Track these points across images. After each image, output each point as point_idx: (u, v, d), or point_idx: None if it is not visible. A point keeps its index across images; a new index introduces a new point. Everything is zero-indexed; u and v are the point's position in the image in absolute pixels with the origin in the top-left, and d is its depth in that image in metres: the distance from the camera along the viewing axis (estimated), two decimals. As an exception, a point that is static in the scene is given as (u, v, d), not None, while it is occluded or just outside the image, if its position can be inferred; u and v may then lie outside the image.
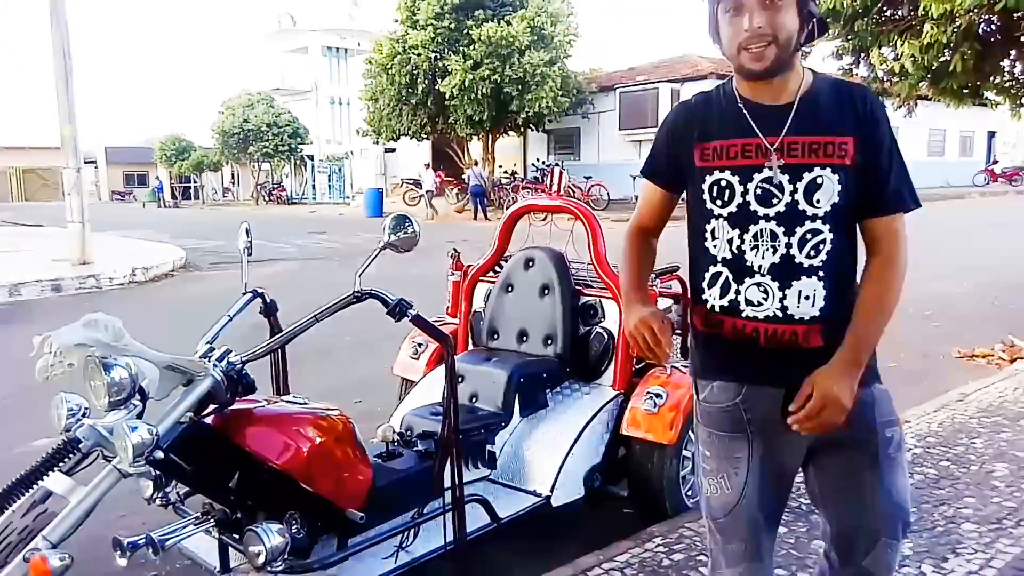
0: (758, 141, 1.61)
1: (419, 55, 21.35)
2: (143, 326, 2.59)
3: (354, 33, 36.19)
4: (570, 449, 2.98)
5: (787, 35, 1.54)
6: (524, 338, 3.41)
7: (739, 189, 1.63)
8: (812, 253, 1.59)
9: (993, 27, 7.50)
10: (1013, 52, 7.90)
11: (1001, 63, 8.04)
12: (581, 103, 23.94)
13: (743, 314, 1.64)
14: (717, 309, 1.68)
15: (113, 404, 1.98)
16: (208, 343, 2.33)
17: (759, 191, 1.61)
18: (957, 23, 6.88)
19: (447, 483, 2.47)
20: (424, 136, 24.49)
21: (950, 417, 4.21)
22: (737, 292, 1.65)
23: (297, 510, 2.28)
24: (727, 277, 1.66)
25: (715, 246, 1.68)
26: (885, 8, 7.92)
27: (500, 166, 25.31)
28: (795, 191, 1.59)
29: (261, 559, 2.10)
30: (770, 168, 1.59)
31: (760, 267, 1.62)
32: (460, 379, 3.08)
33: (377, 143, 26.76)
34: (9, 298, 9.43)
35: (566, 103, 22.32)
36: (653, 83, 23.97)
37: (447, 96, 21.12)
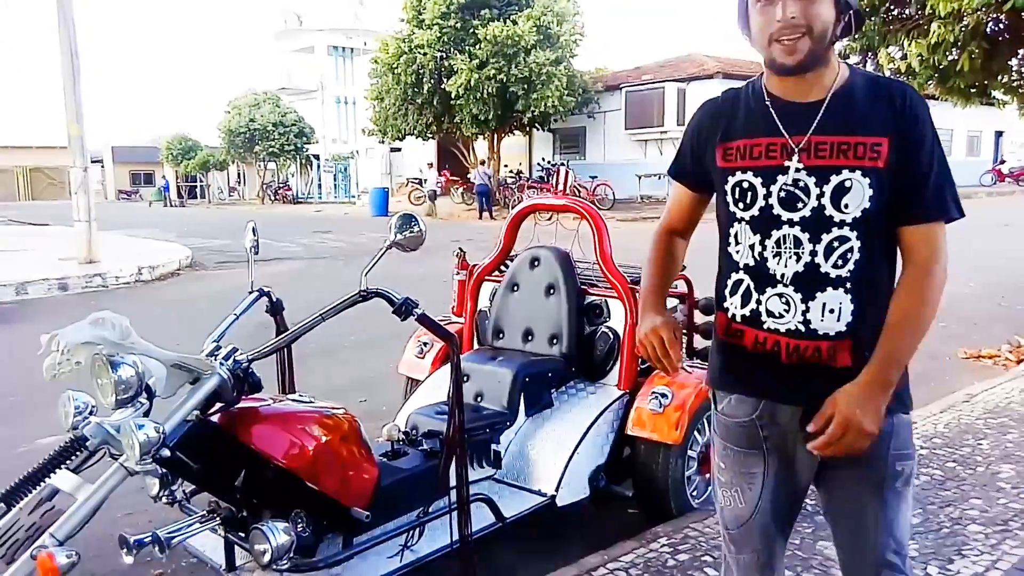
0: (783, 140, 1.51)
1: (425, 54, 21.36)
2: (149, 325, 2.60)
3: (360, 33, 36.23)
4: (575, 449, 2.98)
5: (822, 27, 1.44)
6: (529, 337, 3.41)
7: (761, 191, 1.53)
8: (839, 263, 1.48)
9: (1001, 26, 7.47)
10: (1021, 51, 7.87)
11: (1009, 62, 8.01)
12: (587, 102, 23.92)
13: (764, 326, 1.55)
14: (738, 319, 1.60)
15: (120, 402, 1.98)
16: (214, 342, 2.34)
17: (783, 194, 1.51)
18: (965, 22, 6.86)
19: (452, 482, 2.47)
20: (429, 135, 24.51)
21: (956, 418, 4.20)
22: (758, 302, 1.56)
23: (303, 509, 2.28)
24: (748, 285, 1.58)
25: (738, 251, 1.60)
26: (892, 7, 7.90)
27: (506, 165, 25.31)
28: (822, 195, 1.48)
29: (267, 557, 2.10)
30: (795, 169, 1.49)
31: (783, 276, 1.52)
32: (465, 378, 3.09)
33: (383, 142, 26.79)
34: (16, 296, 9.47)
35: (572, 102, 22.30)
36: (659, 82, 23.95)
37: (453, 95, 21.14)
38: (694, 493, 3.22)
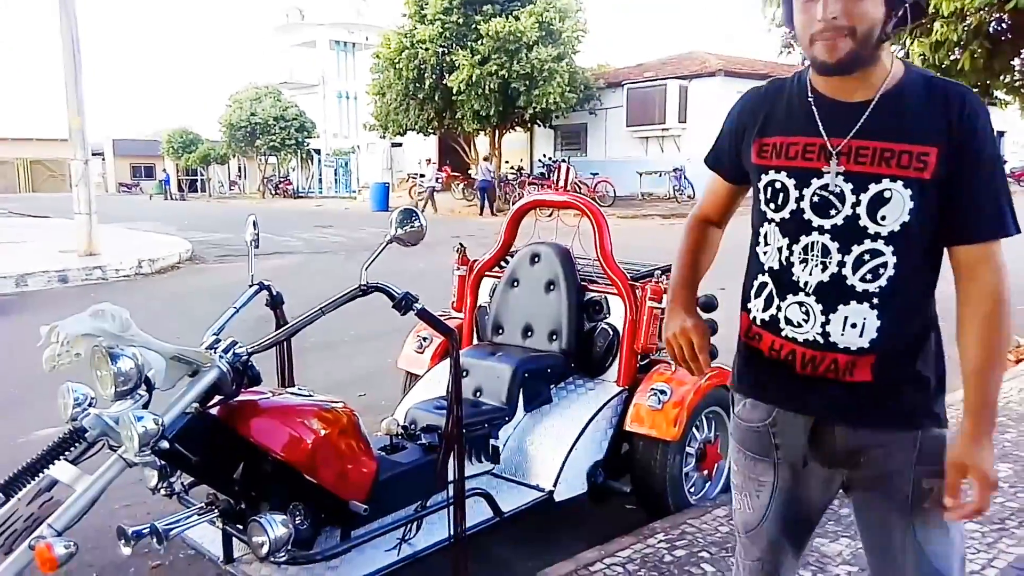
0: (822, 142, 1.42)
1: (427, 50, 21.33)
2: (149, 318, 2.60)
3: (362, 27, 36.21)
4: (573, 444, 2.98)
5: (868, 26, 1.33)
6: (529, 333, 3.42)
7: (794, 194, 1.45)
8: (868, 277, 1.40)
9: (1004, 26, 7.46)
10: (1023, 51, 7.86)
11: (1011, 62, 8.00)
12: (588, 99, 23.89)
13: (782, 333, 1.49)
14: (758, 322, 1.54)
15: (119, 394, 1.99)
16: (214, 334, 2.34)
17: (816, 199, 1.42)
18: (967, 21, 6.85)
19: (451, 476, 2.47)
20: (431, 131, 24.48)
21: (954, 418, 4.20)
22: (778, 308, 1.49)
23: (301, 501, 2.29)
24: (771, 290, 1.51)
25: (765, 253, 1.52)
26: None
27: (507, 162, 25.29)
28: (857, 203, 1.38)
29: (265, 549, 2.11)
30: (831, 173, 1.40)
31: (806, 284, 1.44)
32: (465, 373, 3.09)
33: (384, 137, 26.77)
34: (16, 288, 9.47)
35: (573, 99, 22.28)
36: (661, 80, 23.92)
37: (454, 91, 21.11)
38: (691, 489, 3.22)
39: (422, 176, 25.00)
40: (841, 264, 1.41)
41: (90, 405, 2.12)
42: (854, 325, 1.41)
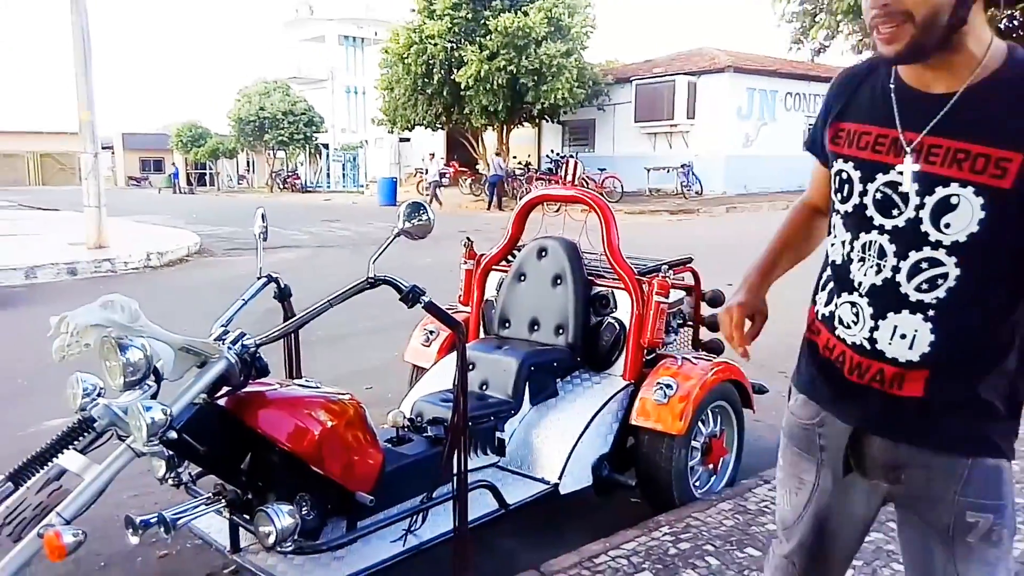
0: (895, 134, 1.30)
1: (435, 45, 21.33)
2: (158, 310, 2.62)
3: (371, 22, 36.23)
4: (579, 438, 2.99)
5: (929, 10, 1.19)
6: (536, 327, 3.42)
7: (858, 187, 1.35)
8: (924, 286, 1.28)
9: (1016, 22, 7.43)
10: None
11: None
12: (597, 95, 23.86)
13: (836, 332, 1.41)
14: (819, 316, 1.47)
15: (128, 384, 2.00)
16: (222, 326, 2.35)
17: (879, 195, 1.32)
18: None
19: (456, 469, 2.48)
20: (439, 126, 24.50)
21: None
22: (836, 305, 1.41)
23: (307, 492, 2.31)
24: (833, 285, 1.43)
25: (832, 245, 1.44)
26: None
27: (515, 157, 25.29)
28: (921, 206, 1.26)
29: (271, 539, 2.12)
30: (899, 171, 1.29)
31: (860, 284, 1.35)
32: (471, 367, 3.10)
33: (392, 132, 26.79)
34: (25, 280, 9.53)
35: (582, 94, 22.25)
36: (670, 76, 23.85)
37: (463, 86, 21.11)
38: (696, 483, 3.23)
39: (426, 172, 25.03)
40: (896, 269, 1.30)
41: (99, 395, 2.14)
42: (903, 336, 1.31)
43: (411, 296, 2.25)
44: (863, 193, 1.34)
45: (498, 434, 3.06)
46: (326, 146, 37.66)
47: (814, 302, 1.50)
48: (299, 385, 2.51)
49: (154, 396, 2.06)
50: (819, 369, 1.47)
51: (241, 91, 36.96)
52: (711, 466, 3.30)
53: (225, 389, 2.22)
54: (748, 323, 1.61)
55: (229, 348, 2.19)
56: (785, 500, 1.59)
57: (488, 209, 21.39)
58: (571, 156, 22.92)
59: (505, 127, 23.81)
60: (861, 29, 8.02)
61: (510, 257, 3.71)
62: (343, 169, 37.22)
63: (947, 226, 1.24)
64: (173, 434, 1.99)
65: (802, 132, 25.61)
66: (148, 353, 2.01)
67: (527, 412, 3.15)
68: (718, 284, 3.80)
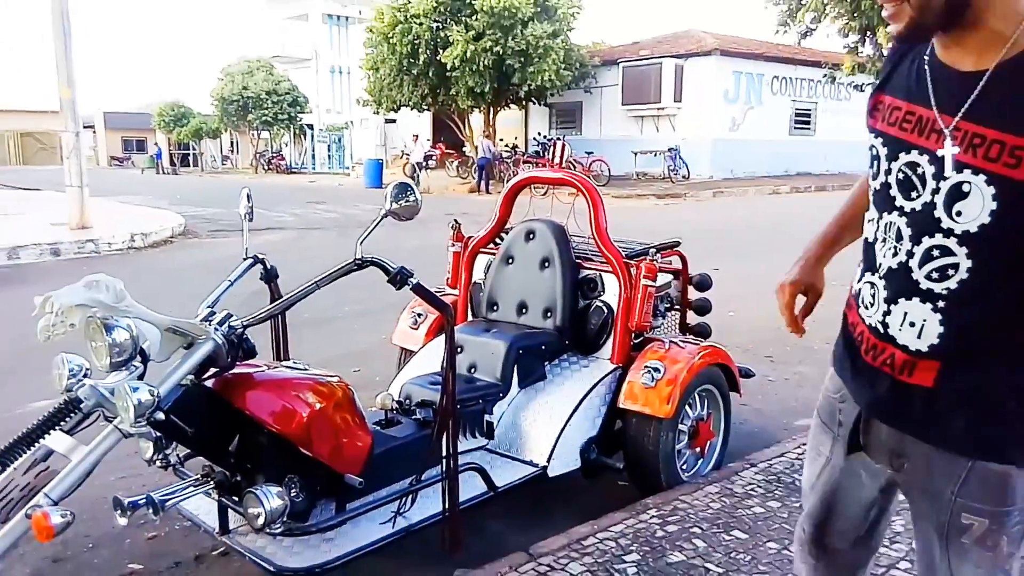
0: (929, 114, 1.22)
1: (421, 24, 21.14)
2: (143, 291, 2.60)
3: (355, 0, 35.81)
4: (567, 421, 3.00)
5: None
6: (524, 310, 3.42)
7: (884, 165, 1.30)
8: (934, 275, 1.23)
9: None
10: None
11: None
12: (584, 77, 23.78)
13: (859, 310, 1.39)
14: (852, 292, 1.44)
15: (114, 365, 1.99)
16: (209, 307, 2.34)
17: (900, 175, 1.26)
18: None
19: (445, 451, 2.49)
20: (425, 107, 24.33)
21: None
22: (861, 283, 1.39)
23: (296, 474, 2.30)
24: (862, 263, 1.40)
25: (867, 223, 1.39)
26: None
27: (501, 139, 25.20)
28: (936, 191, 1.21)
29: (260, 521, 2.12)
30: (920, 151, 1.23)
31: (880, 266, 1.32)
32: (459, 349, 3.10)
33: (377, 113, 26.59)
34: (8, 261, 9.43)
35: (569, 76, 22.16)
36: (656, 58, 23.81)
37: (449, 67, 20.96)
38: (684, 466, 3.25)
39: (408, 154, 24.90)
40: (910, 254, 1.26)
41: (85, 376, 2.12)
42: (912, 324, 1.27)
43: (399, 278, 2.24)
44: (888, 172, 1.29)
45: (486, 417, 3.06)
46: (311, 127, 37.33)
47: (853, 277, 1.47)
48: (287, 367, 2.50)
49: (141, 377, 2.05)
50: (845, 345, 1.45)
51: (224, 70, 36.51)
52: (698, 449, 3.33)
53: (212, 370, 2.20)
54: (803, 299, 1.62)
55: (216, 329, 2.17)
56: (806, 467, 1.61)
57: (478, 191, 21.32)
58: (558, 139, 22.80)
59: (492, 109, 23.69)
60: (847, 12, 8.02)
61: (498, 240, 3.70)
62: (328, 150, 36.93)
63: (959, 214, 1.18)
64: (160, 415, 1.97)
65: (788, 117, 25.73)
66: (134, 334, 1.99)
67: (515, 395, 3.15)
68: (705, 268, 3.82)
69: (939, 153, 1.20)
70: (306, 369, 2.46)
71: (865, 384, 1.38)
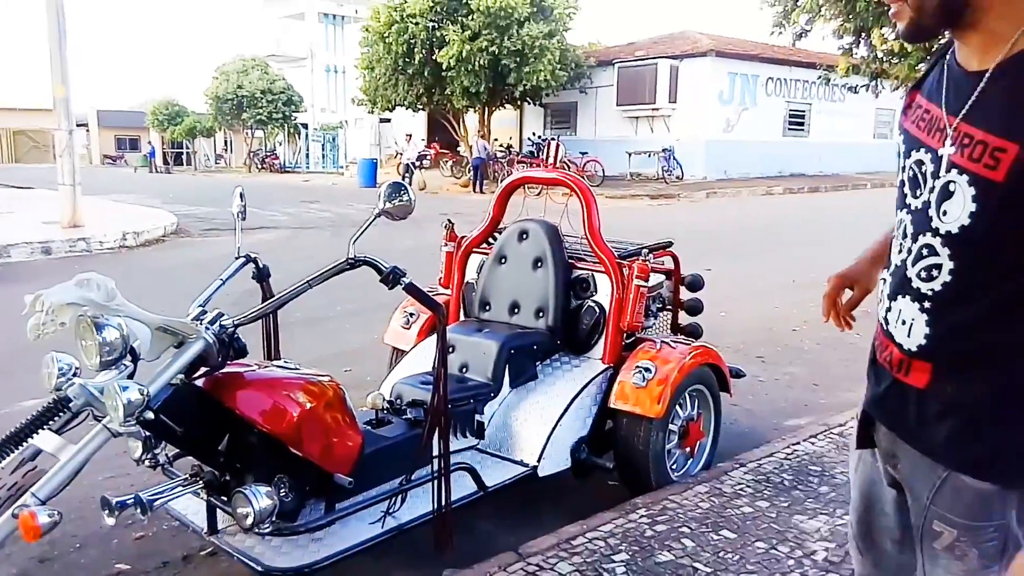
0: (939, 113, 1.23)
1: (417, 24, 21.11)
2: (134, 290, 2.60)
3: (351, 0, 35.76)
4: (558, 421, 3.00)
5: None
6: (516, 310, 3.43)
7: (900, 162, 1.31)
8: (923, 275, 1.24)
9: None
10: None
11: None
12: (579, 77, 23.78)
13: (877, 306, 1.39)
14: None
15: (104, 364, 1.98)
16: (200, 306, 2.34)
17: (910, 173, 1.27)
18: None
19: (435, 451, 2.49)
20: (420, 107, 24.30)
21: None
22: (881, 279, 1.40)
23: (286, 474, 2.30)
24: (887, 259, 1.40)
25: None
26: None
27: (496, 139, 25.18)
28: (932, 190, 1.21)
29: (249, 521, 2.12)
30: (925, 149, 1.23)
31: (890, 262, 1.33)
32: (451, 349, 3.10)
33: (372, 113, 26.55)
34: (-1, 259, 9.39)
35: (564, 77, 22.15)
36: (652, 59, 23.82)
37: (444, 67, 20.93)
38: (674, 466, 3.26)
39: (401, 153, 24.87)
40: (909, 252, 1.26)
41: (75, 375, 2.12)
42: (904, 322, 1.28)
43: (391, 277, 2.24)
44: (903, 169, 1.30)
45: (477, 417, 3.06)
46: (305, 126, 37.25)
47: None
48: (278, 366, 2.50)
49: (131, 376, 2.04)
50: (874, 339, 1.43)
51: (219, 68, 36.41)
52: (688, 449, 3.34)
53: (203, 370, 2.20)
54: (849, 293, 1.62)
55: (207, 328, 2.17)
56: (850, 458, 1.58)
57: (474, 191, 21.31)
58: (553, 139, 22.86)
59: (487, 109, 23.67)
60: (842, 13, 8.04)
61: (491, 239, 3.70)
62: (322, 150, 36.84)
63: (945, 214, 1.18)
64: (150, 414, 1.97)
65: (782, 118, 25.78)
66: (124, 332, 1.99)
67: (506, 395, 3.15)
68: (697, 269, 3.83)
69: (940, 152, 1.20)
70: (297, 369, 2.46)
71: (872, 380, 1.39)
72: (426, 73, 22.02)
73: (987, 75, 1.15)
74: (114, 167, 44.23)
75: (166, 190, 22.51)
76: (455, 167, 24.66)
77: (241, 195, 2.73)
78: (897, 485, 1.41)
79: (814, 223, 14.07)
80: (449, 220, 3.85)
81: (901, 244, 1.29)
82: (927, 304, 1.23)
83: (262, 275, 2.74)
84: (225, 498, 2.26)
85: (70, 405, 2.03)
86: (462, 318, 3.66)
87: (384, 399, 2.84)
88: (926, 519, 1.29)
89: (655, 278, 3.46)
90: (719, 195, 19.96)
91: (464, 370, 3.16)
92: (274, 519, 2.18)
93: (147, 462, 2.21)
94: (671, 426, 3.20)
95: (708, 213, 15.88)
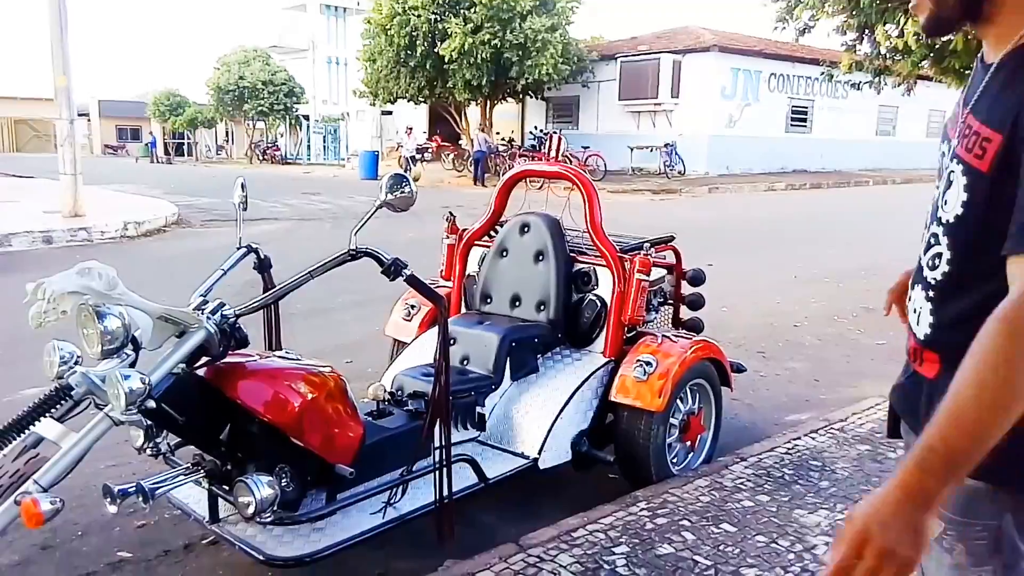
0: (961, 107, 1.25)
1: (419, 16, 21.07)
2: (135, 279, 2.59)
3: (354, -9, 35.70)
4: (559, 413, 3.01)
5: None
6: (517, 303, 3.43)
7: (937, 156, 1.33)
8: (930, 263, 1.25)
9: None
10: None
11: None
12: (581, 71, 23.73)
13: None
14: None
15: (106, 353, 1.99)
16: (201, 296, 2.33)
17: (937, 165, 1.30)
18: None
19: (436, 443, 2.49)
20: (421, 100, 24.27)
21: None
22: None
23: (287, 463, 2.30)
24: None
25: None
26: (891, -16, 7.85)
27: (498, 133, 25.15)
28: (943, 180, 1.24)
29: (250, 510, 2.12)
30: (949, 143, 1.25)
31: (920, 255, 1.32)
32: (452, 341, 3.10)
33: (374, 105, 26.51)
34: None
35: (566, 71, 22.11)
36: (654, 54, 23.78)
37: (446, 59, 20.90)
38: (674, 460, 3.26)
39: (401, 146, 24.84)
40: (924, 240, 1.28)
41: (76, 363, 2.12)
42: (915, 311, 1.29)
43: (393, 269, 2.24)
44: (938, 160, 1.31)
45: (478, 409, 3.07)
46: (307, 117, 37.21)
47: None
48: (279, 357, 2.50)
49: (132, 365, 2.04)
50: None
51: (220, 59, 36.33)
52: (689, 443, 3.34)
53: (204, 359, 2.20)
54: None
55: (208, 318, 2.17)
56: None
57: (475, 184, 21.28)
58: (555, 132, 22.77)
59: (489, 102, 23.65)
60: (845, 9, 8.01)
61: (492, 232, 3.70)
62: (324, 141, 36.81)
63: (946, 203, 1.21)
64: (152, 403, 1.97)
65: (785, 114, 25.75)
66: (126, 321, 1.99)
67: (507, 387, 3.16)
68: (699, 263, 3.82)
69: (952, 143, 1.22)
70: (298, 359, 2.46)
71: (902, 370, 1.40)
72: (428, 66, 21.98)
73: (992, 67, 1.16)
74: (115, 157, 44.17)
75: (167, 180, 22.49)
76: (456, 160, 24.62)
77: (242, 186, 2.73)
78: None
79: (816, 220, 14.06)
80: (451, 213, 3.85)
81: (923, 233, 1.30)
82: (931, 293, 1.25)
83: (263, 266, 2.74)
84: (227, 487, 2.27)
85: (72, 393, 2.03)
86: (463, 311, 3.66)
87: (385, 390, 2.85)
88: (940, 524, 1.24)
89: (657, 272, 3.46)
90: (721, 191, 19.94)
91: (465, 362, 3.16)
92: (275, 508, 2.19)
93: (149, 451, 2.21)
94: (672, 420, 3.20)
95: (710, 208, 15.86)
